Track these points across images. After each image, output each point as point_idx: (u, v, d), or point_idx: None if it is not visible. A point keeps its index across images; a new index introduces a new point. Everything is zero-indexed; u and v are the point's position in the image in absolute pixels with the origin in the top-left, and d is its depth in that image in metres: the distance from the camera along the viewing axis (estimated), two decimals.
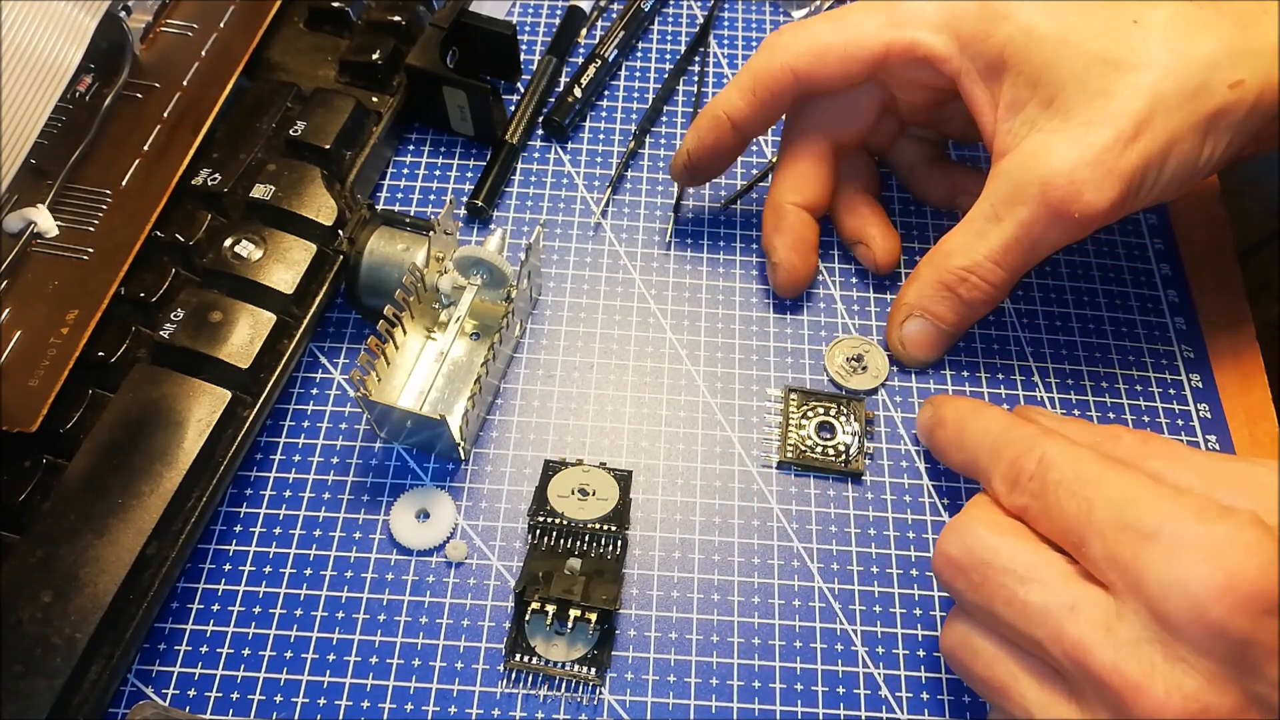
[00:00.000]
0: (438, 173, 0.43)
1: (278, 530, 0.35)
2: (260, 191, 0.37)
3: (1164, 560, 0.24)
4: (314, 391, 0.38)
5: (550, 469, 0.35)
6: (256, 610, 0.33)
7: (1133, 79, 0.32)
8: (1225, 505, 0.25)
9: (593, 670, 0.32)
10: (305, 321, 0.35)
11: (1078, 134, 0.32)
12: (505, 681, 0.32)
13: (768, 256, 0.39)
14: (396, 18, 0.42)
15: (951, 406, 0.34)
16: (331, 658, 0.33)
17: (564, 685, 0.32)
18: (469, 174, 0.43)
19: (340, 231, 0.37)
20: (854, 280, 0.41)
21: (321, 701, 0.32)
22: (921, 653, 0.33)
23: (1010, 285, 0.35)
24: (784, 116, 0.39)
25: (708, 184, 0.43)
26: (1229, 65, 0.31)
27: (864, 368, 0.38)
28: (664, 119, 0.45)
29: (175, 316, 0.34)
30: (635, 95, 0.46)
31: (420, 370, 0.37)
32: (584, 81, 0.44)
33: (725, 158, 0.39)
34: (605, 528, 0.34)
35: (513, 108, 0.44)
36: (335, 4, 0.43)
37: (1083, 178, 0.32)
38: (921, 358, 0.38)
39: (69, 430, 0.32)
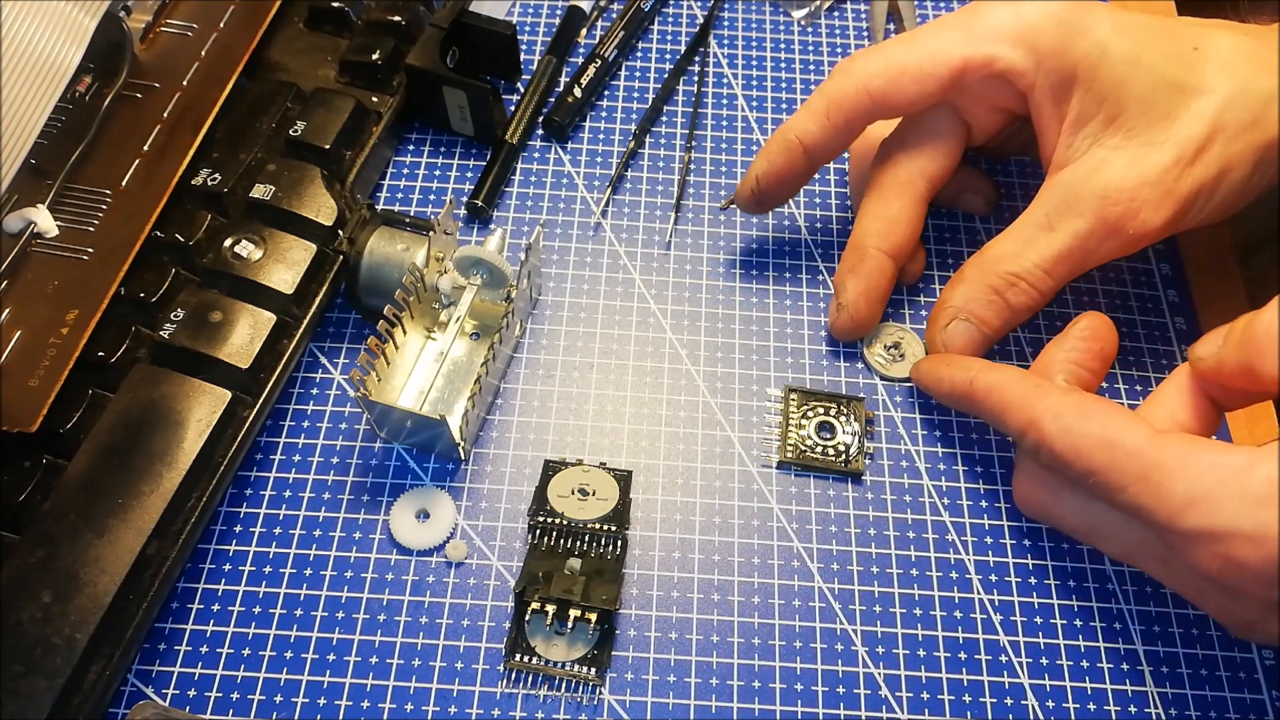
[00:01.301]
0: (438, 173, 0.43)
1: (278, 530, 0.35)
2: (260, 191, 0.37)
3: (1187, 547, 0.27)
4: (314, 391, 0.38)
5: (550, 469, 0.35)
6: (256, 610, 0.33)
7: (1196, 104, 0.32)
8: (1227, 484, 0.26)
9: (593, 670, 0.32)
10: (305, 321, 0.36)
11: (1139, 153, 0.33)
12: (505, 681, 0.32)
13: (835, 294, 0.38)
14: (396, 18, 0.42)
15: (957, 393, 0.35)
16: (331, 658, 0.33)
17: (564, 685, 0.32)
18: (469, 174, 0.43)
19: (340, 231, 0.37)
20: None
21: (321, 701, 0.32)
22: (921, 652, 0.33)
23: (1053, 294, 0.35)
24: (873, 158, 0.38)
25: (707, 185, 0.43)
26: None
27: (902, 355, 0.38)
28: (664, 119, 0.45)
29: (175, 316, 0.34)
30: (635, 95, 0.46)
31: (420, 370, 0.37)
32: (584, 81, 0.44)
33: (794, 184, 0.38)
34: (605, 528, 0.34)
35: (513, 108, 0.44)
36: (335, 4, 0.42)
37: (1143, 196, 0.32)
38: None
39: (69, 430, 0.32)
